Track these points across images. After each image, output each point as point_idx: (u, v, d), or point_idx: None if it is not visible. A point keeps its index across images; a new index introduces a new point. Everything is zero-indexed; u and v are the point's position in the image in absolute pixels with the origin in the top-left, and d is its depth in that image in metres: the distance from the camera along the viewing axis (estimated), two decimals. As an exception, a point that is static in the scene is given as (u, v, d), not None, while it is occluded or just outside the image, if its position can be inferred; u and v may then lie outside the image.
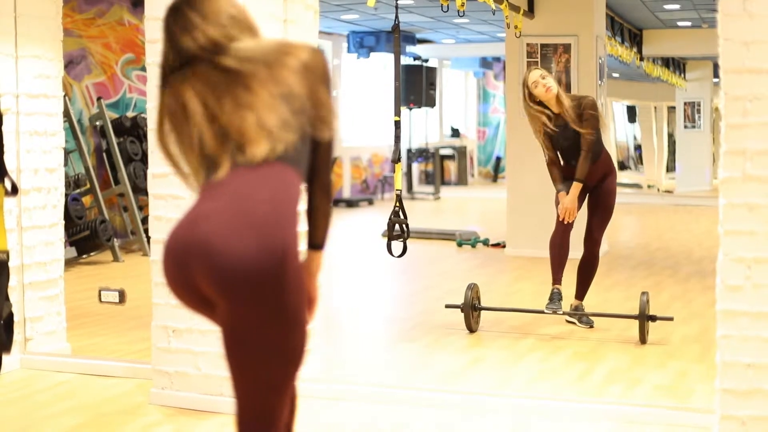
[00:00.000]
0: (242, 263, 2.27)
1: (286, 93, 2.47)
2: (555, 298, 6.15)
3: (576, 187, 6.07)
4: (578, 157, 6.09)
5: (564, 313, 6.29)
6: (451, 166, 21.05)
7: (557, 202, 6.18)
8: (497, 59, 20.23)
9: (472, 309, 6.20)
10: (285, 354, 2.39)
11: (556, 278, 6.19)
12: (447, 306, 6.43)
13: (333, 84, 2.62)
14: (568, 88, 9.29)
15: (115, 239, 9.47)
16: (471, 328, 6.21)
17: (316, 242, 2.67)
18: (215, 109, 2.44)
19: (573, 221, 6.14)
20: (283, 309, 2.34)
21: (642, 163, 26.15)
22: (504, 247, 10.17)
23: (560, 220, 6.13)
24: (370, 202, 17.10)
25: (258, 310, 2.32)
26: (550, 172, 6.19)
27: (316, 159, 2.58)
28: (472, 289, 6.22)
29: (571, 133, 6.08)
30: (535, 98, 6.06)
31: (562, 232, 6.15)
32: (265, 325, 2.34)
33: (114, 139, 9.84)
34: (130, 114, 10.45)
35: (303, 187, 2.53)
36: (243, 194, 2.35)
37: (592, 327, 6.34)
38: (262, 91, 2.45)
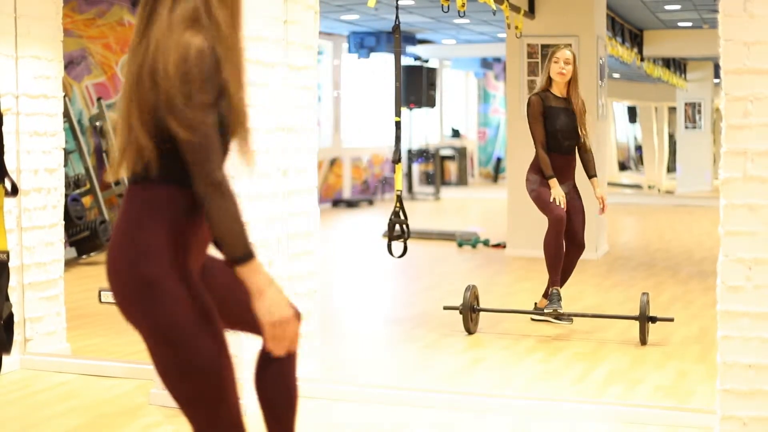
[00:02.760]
0: (115, 297, 2.48)
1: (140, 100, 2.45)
2: (555, 298, 6.16)
3: (597, 181, 6.38)
4: (573, 139, 6.27)
5: (565, 314, 6.29)
6: (452, 167, 21.06)
7: (535, 192, 6.25)
8: (498, 60, 20.23)
9: (470, 310, 6.19)
10: (178, 370, 2.43)
11: (555, 280, 6.21)
12: (445, 308, 6.43)
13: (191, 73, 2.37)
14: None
15: (115, 240, 9.46)
16: (469, 330, 6.19)
17: (227, 258, 2.42)
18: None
19: (565, 221, 6.20)
20: (153, 330, 2.44)
21: (642, 164, 26.16)
22: (504, 247, 10.17)
23: (554, 217, 6.16)
24: (371, 202, 17.11)
25: (142, 334, 2.48)
26: (542, 157, 6.25)
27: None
28: (471, 290, 6.22)
29: (573, 118, 6.27)
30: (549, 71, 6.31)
31: (556, 234, 6.17)
32: (150, 345, 2.48)
33: (114, 140, 9.83)
34: (130, 114, 10.43)
35: (178, 195, 2.44)
36: (118, 224, 2.48)
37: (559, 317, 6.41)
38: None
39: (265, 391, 2.72)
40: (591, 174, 6.37)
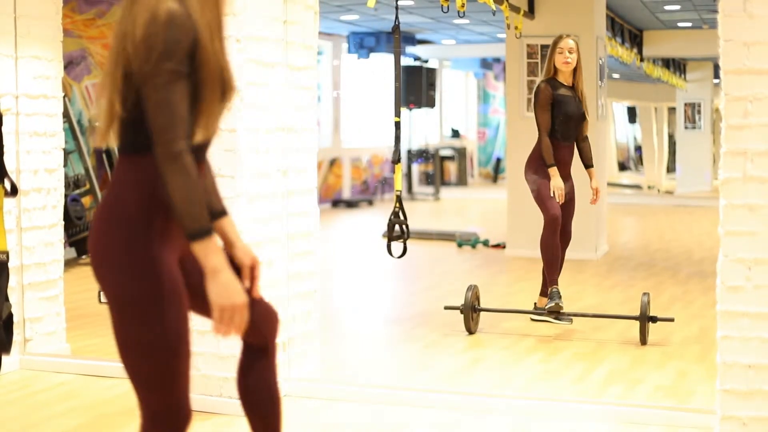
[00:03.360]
0: (90, 256, 2.47)
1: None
2: (555, 296, 6.16)
3: (594, 171, 6.41)
4: (575, 132, 6.32)
5: (564, 314, 6.29)
6: (451, 167, 21.06)
7: (535, 189, 6.26)
8: (497, 60, 20.23)
9: (471, 310, 6.19)
10: (134, 345, 2.42)
11: (554, 279, 6.21)
12: (446, 308, 6.43)
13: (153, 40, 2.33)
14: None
15: (115, 240, 9.45)
16: (470, 330, 6.20)
17: (183, 232, 2.38)
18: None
19: (560, 220, 6.21)
20: (117, 298, 2.41)
21: (642, 164, 26.17)
22: (504, 247, 10.17)
23: (549, 216, 6.17)
24: (370, 202, 17.11)
25: (107, 299, 2.44)
26: (545, 145, 6.26)
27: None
28: (472, 290, 6.22)
29: (579, 103, 6.31)
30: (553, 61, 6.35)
31: (552, 233, 6.19)
32: (112, 313, 2.45)
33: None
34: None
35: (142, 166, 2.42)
36: (106, 191, 2.49)
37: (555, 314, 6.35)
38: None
39: (248, 394, 2.71)
40: (588, 164, 6.43)
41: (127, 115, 2.39)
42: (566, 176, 6.33)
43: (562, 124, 6.28)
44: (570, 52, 6.27)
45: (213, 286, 2.34)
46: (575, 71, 6.33)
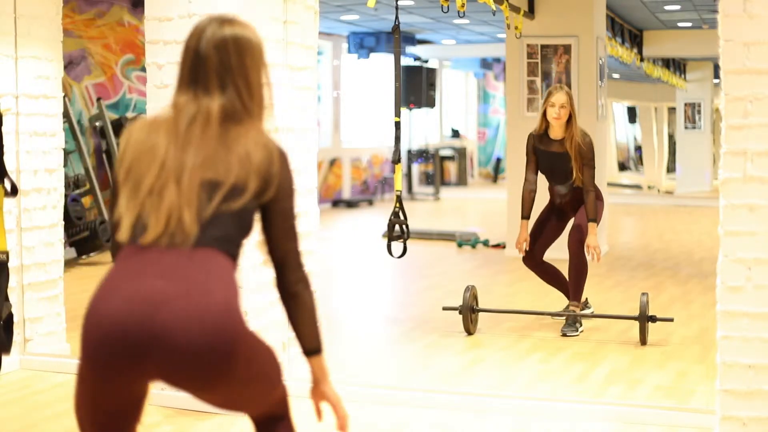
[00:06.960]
0: (202, 361, 2.20)
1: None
2: (569, 319, 6.22)
3: (592, 227, 6.06)
4: (567, 181, 6.20)
5: (561, 313, 6.29)
6: (451, 167, 21.06)
7: (519, 240, 6.37)
8: (497, 60, 20.24)
9: (470, 311, 6.19)
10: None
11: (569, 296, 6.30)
12: (444, 308, 6.43)
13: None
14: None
15: (115, 240, 9.44)
16: (469, 331, 6.19)
17: (311, 346, 2.58)
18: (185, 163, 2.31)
19: (529, 257, 6.42)
20: (245, 378, 2.42)
21: (642, 164, 26.17)
22: (504, 248, 10.17)
23: (523, 254, 6.37)
24: (370, 202, 17.11)
25: (221, 388, 2.33)
26: (523, 193, 6.37)
27: (276, 247, 2.45)
28: (470, 291, 6.22)
29: (565, 161, 6.11)
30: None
31: (531, 264, 6.42)
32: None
33: (114, 140, 9.84)
34: (129, 114, 10.45)
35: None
36: (197, 281, 2.22)
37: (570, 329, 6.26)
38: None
39: None
40: (587, 218, 6.12)
41: None
42: (570, 209, 6.32)
43: (547, 175, 6.28)
44: (561, 108, 6.01)
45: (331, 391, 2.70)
46: (569, 122, 6.07)
